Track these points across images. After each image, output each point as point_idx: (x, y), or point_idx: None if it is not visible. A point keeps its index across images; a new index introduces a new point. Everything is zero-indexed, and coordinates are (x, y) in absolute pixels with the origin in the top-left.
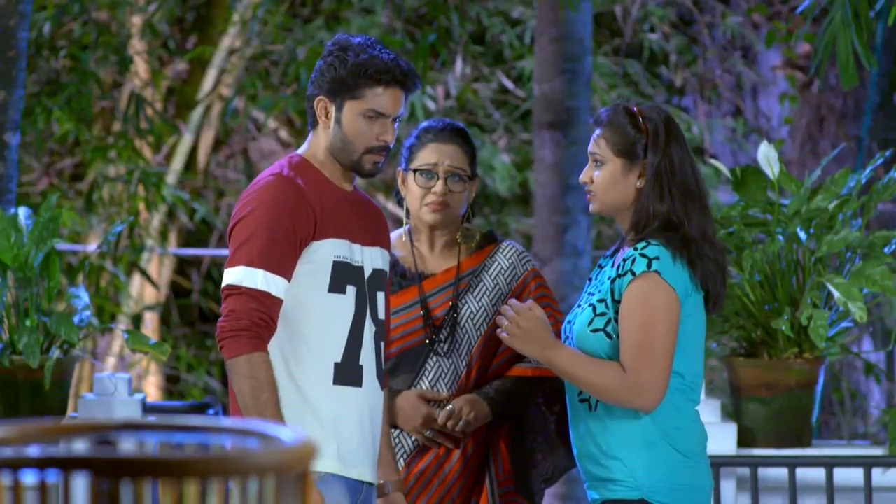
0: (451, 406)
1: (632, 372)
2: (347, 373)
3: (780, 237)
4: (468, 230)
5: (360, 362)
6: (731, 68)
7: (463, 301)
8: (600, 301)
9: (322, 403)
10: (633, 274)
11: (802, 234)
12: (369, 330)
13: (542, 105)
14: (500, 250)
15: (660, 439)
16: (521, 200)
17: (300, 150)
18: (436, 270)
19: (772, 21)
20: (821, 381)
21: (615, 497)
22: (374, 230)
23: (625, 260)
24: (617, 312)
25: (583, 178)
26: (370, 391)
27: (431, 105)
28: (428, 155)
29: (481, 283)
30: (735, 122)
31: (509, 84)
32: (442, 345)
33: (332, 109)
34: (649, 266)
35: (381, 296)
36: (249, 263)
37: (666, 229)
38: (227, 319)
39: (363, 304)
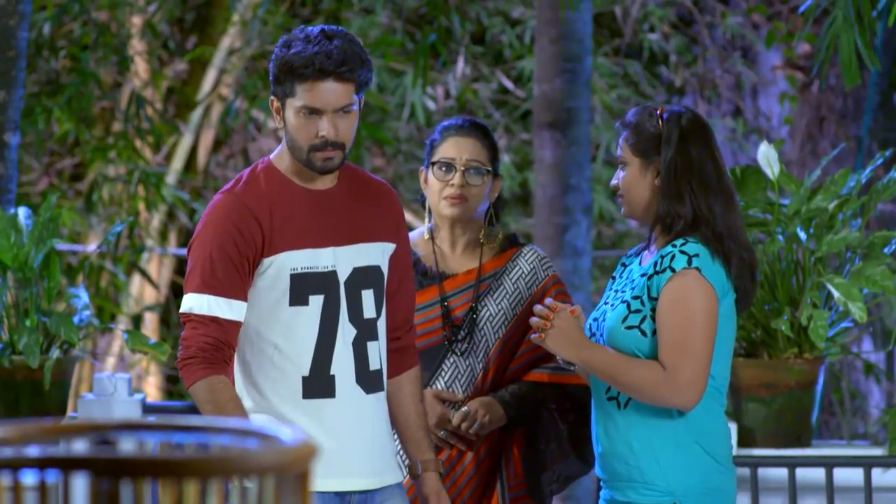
0: (466, 408)
1: (672, 370)
2: (317, 385)
3: (780, 237)
4: (491, 231)
5: (332, 372)
6: (731, 68)
7: (483, 303)
8: (635, 298)
9: (294, 419)
10: (673, 271)
11: (802, 235)
12: (345, 335)
13: (542, 105)
14: (522, 255)
15: (692, 441)
16: (521, 200)
17: (272, 153)
18: (457, 270)
19: (772, 21)
20: (821, 381)
21: (645, 501)
22: (361, 225)
23: (662, 257)
24: (653, 310)
25: (612, 183)
26: (348, 398)
27: (431, 105)
28: (447, 149)
29: (502, 287)
30: (735, 122)
31: (509, 84)
32: (460, 345)
33: (281, 108)
34: (689, 263)
35: (368, 294)
36: (196, 290)
37: (693, 226)
38: (180, 349)
39: (334, 311)
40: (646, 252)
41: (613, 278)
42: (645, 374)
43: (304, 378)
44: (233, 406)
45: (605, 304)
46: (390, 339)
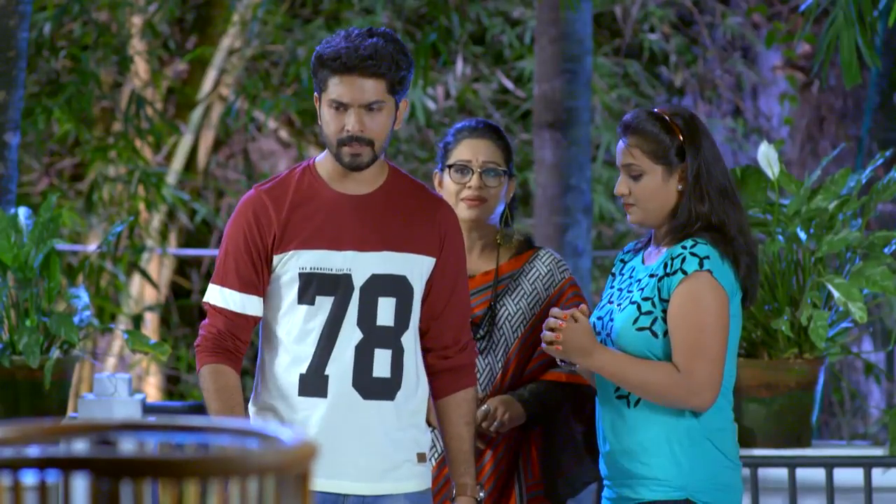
0: (486, 406)
1: (686, 371)
2: (312, 384)
3: (780, 237)
4: (507, 233)
5: (327, 372)
6: (731, 68)
7: (501, 303)
8: (645, 300)
9: (286, 415)
10: (685, 273)
11: (802, 235)
12: (348, 339)
13: (542, 105)
14: (539, 257)
15: (704, 439)
16: (521, 200)
17: (320, 154)
18: (475, 271)
19: (772, 21)
20: (821, 381)
21: (658, 498)
22: (391, 234)
23: (673, 258)
24: (664, 311)
25: (619, 190)
26: (341, 401)
27: (432, 105)
28: (462, 151)
29: (520, 287)
30: (735, 123)
31: (509, 84)
32: (479, 344)
33: (318, 103)
34: (701, 265)
35: (388, 302)
36: (213, 280)
37: (706, 229)
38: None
39: (340, 313)
40: (649, 250)
41: (613, 275)
42: (660, 376)
43: (301, 375)
44: (217, 399)
45: (610, 303)
46: (439, 358)
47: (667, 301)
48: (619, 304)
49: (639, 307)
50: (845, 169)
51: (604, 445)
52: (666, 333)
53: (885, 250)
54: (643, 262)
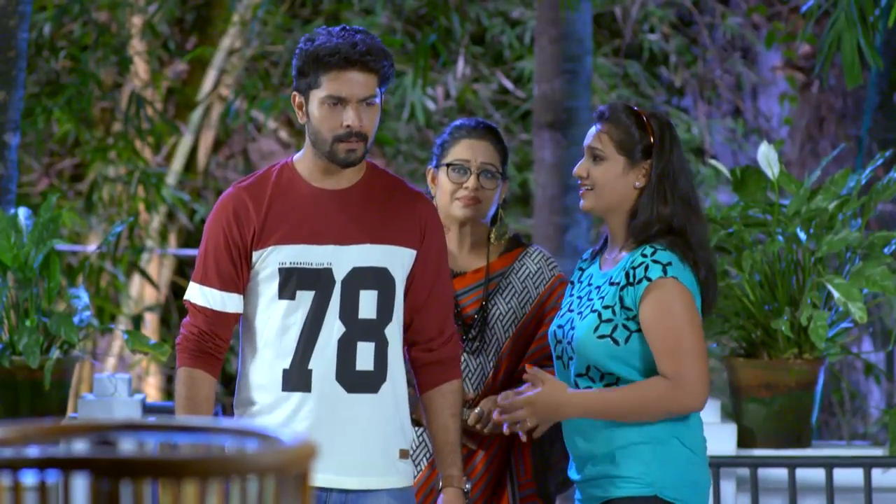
0: (479, 409)
1: (677, 376)
2: (296, 378)
3: (780, 237)
4: (500, 231)
5: (310, 367)
6: (731, 69)
7: (492, 302)
8: (606, 308)
9: (271, 410)
10: (649, 280)
11: (802, 235)
12: (331, 333)
13: (542, 105)
14: (528, 255)
15: (670, 436)
16: (521, 200)
17: (297, 154)
18: (465, 269)
19: (772, 22)
20: (821, 381)
21: (626, 494)
22: (371, 227)
23: (634, 268)
24: (627, 319)
25: (577, 171)
26: (325, 395)
27: (431, 105)
28: (461, 151)
29: (510, 285)
30: (735, 123)
31: (509, 84)
32: (471, 343)
33: (304, 102)
34: (665, 272)
35: (370, 295)
36: (194, 279)
37: (666, 233)
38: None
39: (322, 308)
40: (605, 256)
41: (572, 283)
42: (650, 391)
43: (284, 370)
44: (185, 405)
45: (570, 311)
46: (423, 351)
47: (629, 309)
48: (579, 313)
49: (599, 315)
50: (845, 169)
51: (574, 449)
52: (627, 340)
53: (885, 250)
54: (600, 267)
